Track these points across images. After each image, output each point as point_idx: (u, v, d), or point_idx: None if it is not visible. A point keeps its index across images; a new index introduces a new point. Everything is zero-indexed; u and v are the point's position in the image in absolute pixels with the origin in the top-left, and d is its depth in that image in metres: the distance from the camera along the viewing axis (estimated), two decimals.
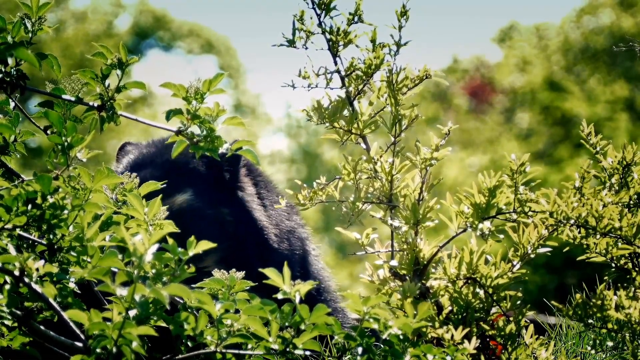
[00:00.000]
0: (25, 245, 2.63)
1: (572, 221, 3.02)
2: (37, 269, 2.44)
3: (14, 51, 2.68)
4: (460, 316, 2.99)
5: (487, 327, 3.00)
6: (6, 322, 2.58)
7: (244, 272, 2.75)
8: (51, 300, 2.43)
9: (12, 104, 2.80)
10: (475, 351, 2.90)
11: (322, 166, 23.36)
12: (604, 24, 20.40)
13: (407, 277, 3.00)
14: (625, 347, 3.01)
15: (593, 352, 3.06)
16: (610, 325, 3.02)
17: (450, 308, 3.00)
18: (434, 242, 3.01)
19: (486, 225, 2.96)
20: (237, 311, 2.54)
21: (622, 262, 3.10)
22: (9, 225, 2.58)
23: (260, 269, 2.51)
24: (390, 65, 3.08)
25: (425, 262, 3.01)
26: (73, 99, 2.78)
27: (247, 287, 2.72)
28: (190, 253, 2.46)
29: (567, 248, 3.09)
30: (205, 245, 2.47)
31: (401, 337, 2.52)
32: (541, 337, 3.02)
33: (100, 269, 2.40)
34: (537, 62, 20.66)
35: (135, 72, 26.95)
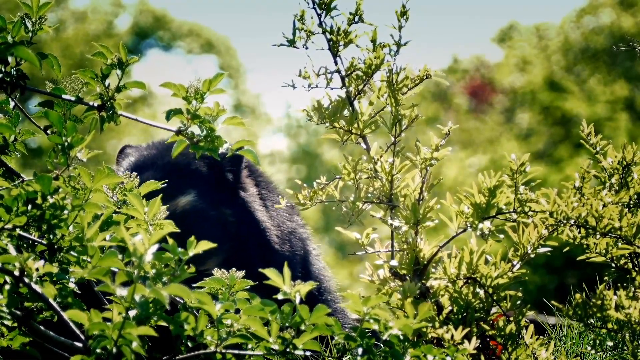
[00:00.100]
0: (25, 245, 2.63)
1: (572, 221, 3.02)
2: (37, 269, 2.44)
3: (14, 50, 2.68)
4: (460, 316, 2.99)
5: (487, 327, 3.00)
6: (6, 322, 2.58)
7: (245, 272, 2.75)
8: (51, 300, 2.43)
9: (12, 104, 2.80)
10: (475, 351, 2.90)
11: (322, 166, 23.36)
12: (604, 24, 20.40)
13: (407, 277, 3.00)
14: (625, 347, 3.01)
15: (593, 352, 3.06)
16: (610, 325, 3.02)
17: (450, 308, 3.00)
18: (434, 242, 3.01)
19: (486, 225, 2.96)
20: (237, 311, 2.54)
21: (622, 262, 3.10)
22: (9, 225, 2.58)
23: (260, 269, 2.51)
24: (391, 65, 3.08)
25: (425, 262, 3.01)
26: (73, 98, 2.78)
27: (247, 287, 2.72)
28: (190, 253, 2.45)
29: (567, 248, 3.09)
30: (205, 245, 2.46)
31: (401, 337, 2.51)
32: (541, 337, 3.02)
33: (100, 269, 2.40)
34: (537, 62, 20.66)
35: (135, 72, 26.96)
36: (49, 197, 2.58)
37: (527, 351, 2.98)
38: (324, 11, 3.10)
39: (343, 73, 3.10)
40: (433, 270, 3.02)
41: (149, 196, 2.76)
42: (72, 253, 2.61)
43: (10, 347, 2.66)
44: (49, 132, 2.80)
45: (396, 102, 3.08)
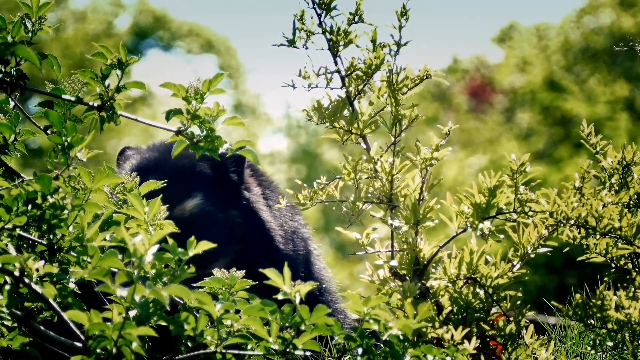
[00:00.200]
0: (25, 246, 2.63)
1: (572, 221, 3.02)
2: (37, 269, 2.44)
3: (14, 49, 2.68)
4: (460, 316, 2.99)
5: (487, 327, 3.00)
6: (6, 322, 2.58)
7: (250, 272, 2.75)
8: (51, 300, 2.43)
9: (12, 104, 2.80)
10: (475, 351, 2.90)
11: (321, 166, 23.36)
12: (604, 24, 20.39)
13: (407, 277, 3.00)
14: (625, 347, 3.01)
15: (593, 352, 3.06)
16: (610, 325, 3.02)
17: (450, 308, 3.00)
18: (434, 242, 3.01)
19: (486, 225, 2.96)
20: (237, 311, 2.54)
21: (622, 262, 3.10)
22: (9, 225, 2.58)
23: (260, 269, 2.51)
24: (391, 65, 3.08)
25: (425, 262, 3.01)
26: (73, 99, 2.78)
27: (249, 287, 2.72)
28: (191, 253, 2.45)
29: (567, 248, 3.09)
30: (205, 245, 2.47)
31: (401, 337, 2.51)
32: (541, 337, 3.02)
33: (101, 270, 2.40)
34: (537, 62, 20.66)
35: (135, 72, 26.95)
36: (49, 197, 2.58)
37: (527, 351, 2.98)
38: (324, 11, 3.10)
39: (343, 73, 3.10)
40: (433, 270, 3.02)
41: (152, 197, 2.75)
42: (72, 253, 2.61)
43: (10, 347, 2.66)
44: (49, 132, 2.80)
45: (396, 102, 3.08)
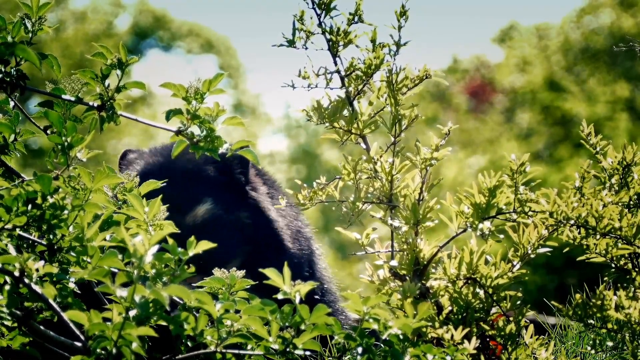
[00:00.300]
0: (25, 246, 2.63)
1: (572, 221, 3.02)
2: (37, 270, 2.44)
3: (14, 49, 2.68)
4: (460, 316, 2.99)
5: (487, 327, 3.00)
6: (6, 322, 2.58)
7: (259, 273, 2.74)
8: (51, 300, 2.43)
9: (11, 104, 2.80)
10: (475, 351, 2.90)
11: (321, 166, 23.37)
12: (604, 24, 20.39)
13: (407, 277, 3.00)
14: (625, 347, 3.01)
15: (593, 352, 3.06)
16: (610, 325, 3.02)
17: (450, 308, 3.00)
18: (434, 242, 3.01)
19: (486, 225, 2.96)
20: (237, 311, 2.54)
21: (622, 262, 3.10)
22: (9, 225, 2.58)
23: (260, 269, 2.51)
24: (390, 65, 3.08)
25: (425, 262, 3.01)
26: (73, 99, 2.78)
27: (253, 287, 2.72)
28: (190, 253, 2.46)
29: (567, 248, 3.09)
30: (205, 245, 2.47)
31: (401, 337, 2.51)
32: (541, 337, 3.02)
33: (101, 270, 2.40)
34: (537, 62, 20.66)
35: (135, 72, 26.96)
36: (49, 197, 2.58)
37: (527, 351, 2.98)
38: (324, 11, 3.10)
39: (343, 73, 3.10)
40: (433, 270, 3.02)
41: (155, 199, 2.74)
42: (72, 253, 2.61)
43: (10, 347, 2.66)
44: (48, 132, 2.80)
45: (396, 102, 3.08)
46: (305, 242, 4.08)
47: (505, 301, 3.00)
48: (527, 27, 21.82)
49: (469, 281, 3.01)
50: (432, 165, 3.05)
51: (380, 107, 3.11)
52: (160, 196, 2.72)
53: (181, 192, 3.79)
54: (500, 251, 3.09)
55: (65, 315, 2.39)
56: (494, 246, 2.99)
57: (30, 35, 2.80)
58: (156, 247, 2.36)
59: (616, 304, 3.02)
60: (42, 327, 2.54)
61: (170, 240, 2.44)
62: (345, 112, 3.09)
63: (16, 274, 2.43)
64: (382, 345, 2.53)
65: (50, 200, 2.58)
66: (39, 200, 2.58)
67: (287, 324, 2.48)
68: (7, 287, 2.47)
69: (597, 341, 3.04)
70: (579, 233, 3.04)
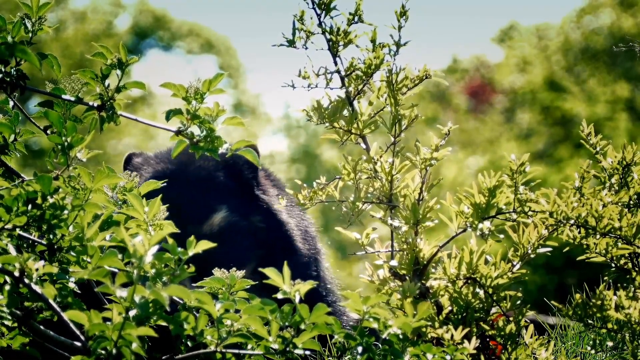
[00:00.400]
0: (25, 246, 2.63)
1: (572, 221, 3.02)
2: (37, 269, 2.44)
3: (14, 50, 2.68)
4: (460, 316, 2.99)
5: (487, 327, 3.00)
6: (6, 322, 2.58)
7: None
8: (51, 300, 2.43)
9: (11, 104, 2.80)
10: (475, 351, 2.90)
11: (321, 166, 23.37)
12: (604, 24, 20.39)
13: (407, 277, 3.00)
14: (625, 347, 3.01)
15: (593, 352, 3.06)
16: (610, 325, 3.02)
17: (450, 308, 3.00)
18: (433, 242, 3.01)
19: (486, 225, 2.96)
20: (237, 311, 2.54)
21: (622, 262, 3.10)
22: (9, 225, 2.58)
23: (260, 269, 2.51)
24: (390, 65, 3.08)
25: (425, 262, 3.01)
26: (73, 99, 2.78)
27: (255, 287, 2.72)
28: (190, 253, 2.46)
29: (567, 248, 3.09)
30: (205, 245, 2.47)
31: (401, 336, 2.52)
32: (541, 337, 3.02)
33: (101, 270, 2.40)
34: (537, 62, 20.66)
35: (135, 72, 26.96)
36: (49, 197, 2.58)
37: (527, 351, 2.98)
38: (324, 11, 3.10)
39: (343, 73, 3.10)
40: (433, 270, 3.02)
41: (174, 216, 2.73)
42: (72, 253, 2.61)
43: (10, 347, 2.66)
44: (49, 132, 2.80)
45: (396, 102, 3.08)
46: (312, 242, 4.08)
47: (505, 301, 3.00)
48: (527, 27, 21.82)
49: (469, 281, 3.01)
50: (431, 165, 3.05)
51: (380, 107, 3.11)
52: (160, 196, 2.72)
53: (195, 201, 3.79)
54: (500, 251, 3.09)
55: (65, 315, 2.39)
56: (494, 246, 2.99)
57: (30, 35, 2.80)
58: (156, 247, 2.36)
59: (616, 304, 3.02)
60: (42, 327, 2.55)
61: (170, 240, 2.44)
62: (345, 112, 3.09)
63: (16, 274, 2.43)
64: (381, 344, 2.53)
65: (50, 200, 2.58)
66: (39, 200, 2.58)
67: (287, 323, 2.48)
68: (7, 287, 2.47)
69: (597, 341, 3.04)
70: (579, 233, 3.04)
